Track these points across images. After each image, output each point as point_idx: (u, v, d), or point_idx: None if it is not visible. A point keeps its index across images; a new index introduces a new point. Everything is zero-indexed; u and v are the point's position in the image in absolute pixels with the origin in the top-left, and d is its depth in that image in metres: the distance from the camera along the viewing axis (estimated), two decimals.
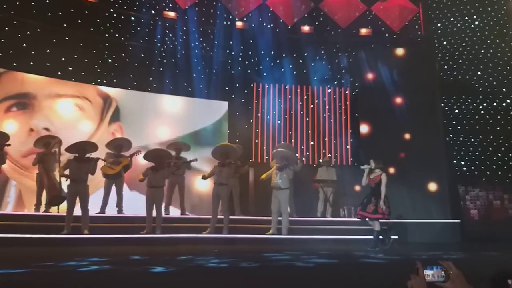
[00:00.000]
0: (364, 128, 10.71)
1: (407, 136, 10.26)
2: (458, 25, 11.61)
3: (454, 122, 11.00)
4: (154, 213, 7.31)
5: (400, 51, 11.02)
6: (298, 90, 11.40)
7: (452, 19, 11.62)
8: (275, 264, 4.28)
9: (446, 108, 11.01)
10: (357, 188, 10.18)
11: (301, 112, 11.25)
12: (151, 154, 7.54)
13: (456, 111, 11.14)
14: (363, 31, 11.55)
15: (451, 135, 10.88)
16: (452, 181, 10.24)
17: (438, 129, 10.44)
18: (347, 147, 11.08)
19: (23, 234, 6.30)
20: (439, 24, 11.64)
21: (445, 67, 11.38)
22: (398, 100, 10.56)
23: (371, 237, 8.07)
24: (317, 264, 4.29)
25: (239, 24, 11.42)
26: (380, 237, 6.86)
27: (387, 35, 11.57)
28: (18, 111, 9.13)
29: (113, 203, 8.09)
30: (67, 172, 6.90)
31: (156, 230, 7.25)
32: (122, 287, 2.98)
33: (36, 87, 9.36)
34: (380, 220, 6.81)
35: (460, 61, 11.43)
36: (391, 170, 9.90)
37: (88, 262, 4.07)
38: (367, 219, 6.81)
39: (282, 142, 10.66)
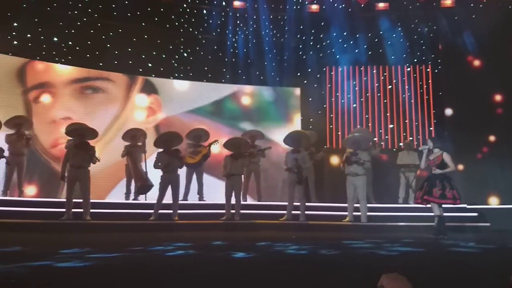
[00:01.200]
0: (449, 108, 9.96)
1: (498, 111, 9.36)
2: None
3: None
4: (233, 200, 7.53)
5: (488, 22, 10.00)
6: (374, 71, 10.88)
7: None
8: (356, 252, 4.16)
9: None
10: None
11: (378, 94, 10.75)
12: (230, 142, 7.76)
13: None
14: (445, 2, 10.63)
15: None
16: None
17: None
18: (430, 128, 10.37)
19: (115, 221, 6.85)
20: None
21: None
22: (487, 75, 9.62)
23: (459, 224, 7.56)
24: (402, 253, 4.08)
25: (309, 7, 11.16)
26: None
27: (472, 4, 10.53)
28: (42, 101, 9.35)
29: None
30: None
31: (235, 216, 7.47)
32: (208, 271, 3.09)
33: (55, 75, 9.57)
34: (453, 206, 6.08)
35: None
36: (481, 151, 9.16)
37: (174, 247, 4.30)
38: (429, 205, 6.01)
39: (358, 126, 10.32)
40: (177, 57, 10.76)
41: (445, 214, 7.18)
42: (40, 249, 4.18)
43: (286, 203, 7.71)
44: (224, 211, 7.50)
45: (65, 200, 6.93)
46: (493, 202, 8.39)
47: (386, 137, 10.48)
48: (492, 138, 9.29)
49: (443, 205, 6.03)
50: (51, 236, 5.66)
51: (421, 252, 4.31)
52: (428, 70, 10.69)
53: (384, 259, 3.74)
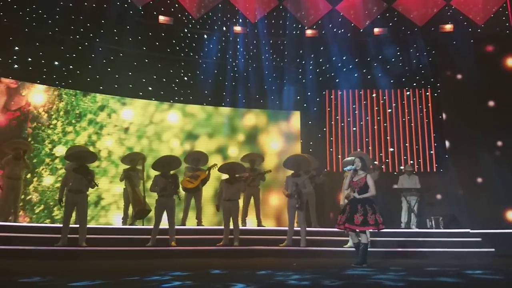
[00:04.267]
0: (449, 131, 9.93)
1: (499, 135, 9.34)
2: None
3: None
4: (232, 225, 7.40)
5: (486, 46, 10.13)
6: (374, 95, 10.92)
7: None
8: (361, 282, 4.01)
9: None
10: (446, 196, 9.50)
11: (378, 118, 10.75)
12: (225, 166, 7.68)
13: None
14: (443, 27, 10.76)
15: None
16: None
17: None
18: (431, 152, 10.33)
19: (111, 247, 6.69)
20: None
21: None
22: (487, 98, 9.66)
23: (462, 249, 7.41)
24: (410, 283, 3.94)
25: (309, 32, 11.28)
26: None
27: (470, 29, 10.67)
28: None
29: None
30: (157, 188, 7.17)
31: (234, 242, 7.32)
32: None
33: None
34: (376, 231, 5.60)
35: None
36: (484, 173, 9.10)
37: (171, 277, 4.15)
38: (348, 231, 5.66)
39: (359, 150, 10.27)
40: (177, 80, 10.81)
41: (452, 239, 7.03)
42: (33, 277, 4.05)
43: (286, 228, 7.57)
44: (222, 236, 7.36)
45: (61, 225, 6.79)
46: (495, 225, 8.26)
47: (387, 160, 10.40)
48: (492, 162, 9.21)
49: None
50: (45, 263, 5.51)
51: (429, 282, 4.16)
52: (427, 93, 10.72)
53: None
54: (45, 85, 9.58)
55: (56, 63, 9.79)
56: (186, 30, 11.01)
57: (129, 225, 8.15)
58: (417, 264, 5.99)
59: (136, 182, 8.11)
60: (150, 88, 10.52)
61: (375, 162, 9.73)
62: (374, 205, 5.59)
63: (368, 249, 6.98)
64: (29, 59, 9.47)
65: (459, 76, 10.13)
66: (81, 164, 6.91)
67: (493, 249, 7.52)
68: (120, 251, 6.62)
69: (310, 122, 10.99)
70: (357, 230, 5.52)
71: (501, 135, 9.45)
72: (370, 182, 5.58)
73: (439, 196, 9.50)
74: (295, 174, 7.56)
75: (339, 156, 10.65)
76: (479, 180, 9.23)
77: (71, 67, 9.86)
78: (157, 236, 7.04)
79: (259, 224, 8.68)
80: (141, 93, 10.43)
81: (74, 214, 6.91)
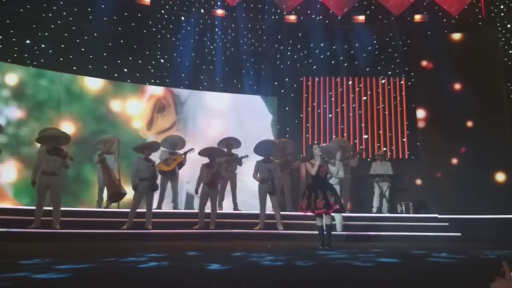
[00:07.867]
0: (421, 119, 10.20)
1: (469, 124, 9.67)
2: None
3: None
4: (208, 209, 7.46)
5: (459, 37, 10.39)
6: (350, 82, 11.06)
7: None
8: (332, 263, 4.16)
9: None
10: (416, 182, 9.82)
11: (353, 105, 10.92)
12: (205, 151, 7.72)
13: None
14: (418, 17, 10.96)
15: None
16: None
17: (504, 118, 9.74)
18: (403, 139, 10.61)
19: (86, 230, 6.64)
20: (502, 6, 10.79)
21: (510, 52, 10.55)
22: (458, 88, 9.95)
23: (433, 233, 7.72)
24: (377, 264, 4.11)
25: (287, 17, 11.27)
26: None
27: (444, 20, 10.90)
28: None
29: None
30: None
31: (210, 225, 7.39)
32: (181, 285, 3.02)
33: None
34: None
35: None
36: (453, 161, 9.46)
37: (147, 258, 4.19)
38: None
39: (334, 136, 10.45)
40: (153, 63, 10.63)
41: (421, 223, 7.33)
42: (5, 259, 4.00)
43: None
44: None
45: (34, 207, 6.67)
46: (462, 211, 8.62)
47: (361, 147, 10.61)
48: (462, 149, 9.55)
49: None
50: (17, 245, 5.43)
51: (397, 263, 4.34)
52: (401, 82, 10.94)
53: (360, 271, 3.75)
54: (16, 64, 9.25)
55: (28, 41, 9.46)
56: (163, 11, 10.80)
57: (104, 208, 8.08)
58: (387, 246, 6.22)
59: (111, 165, 8.02)
60: (125, 70, 10.32)
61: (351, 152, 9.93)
62: (333, 189, 5.76)
63: (341, 232, 7.24)
64: (0, 37, 9.13)
65: (432, 66, 10.37)
66: (53, 145, 6.77)
67: (459, 234, 7.87)
68: (94, 233, 6.58)
69: (287, 108, 11.05)
70: (322, 213, 5.63)
71: (469, 121, 9.75)
72: (331, 168, 5.78)
73: (410, 182, 9.78)
74: (266, 159, 7.63)
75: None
76: (447, 168, 9.55)
77: (43, 46, 9.54)
78: (133, 219, 7.03)
79: (235, 208, 8.76)
80: (116, 75, 10.22)
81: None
